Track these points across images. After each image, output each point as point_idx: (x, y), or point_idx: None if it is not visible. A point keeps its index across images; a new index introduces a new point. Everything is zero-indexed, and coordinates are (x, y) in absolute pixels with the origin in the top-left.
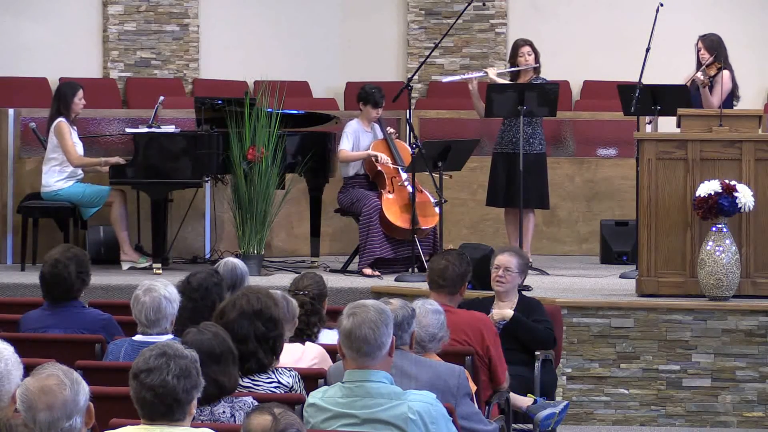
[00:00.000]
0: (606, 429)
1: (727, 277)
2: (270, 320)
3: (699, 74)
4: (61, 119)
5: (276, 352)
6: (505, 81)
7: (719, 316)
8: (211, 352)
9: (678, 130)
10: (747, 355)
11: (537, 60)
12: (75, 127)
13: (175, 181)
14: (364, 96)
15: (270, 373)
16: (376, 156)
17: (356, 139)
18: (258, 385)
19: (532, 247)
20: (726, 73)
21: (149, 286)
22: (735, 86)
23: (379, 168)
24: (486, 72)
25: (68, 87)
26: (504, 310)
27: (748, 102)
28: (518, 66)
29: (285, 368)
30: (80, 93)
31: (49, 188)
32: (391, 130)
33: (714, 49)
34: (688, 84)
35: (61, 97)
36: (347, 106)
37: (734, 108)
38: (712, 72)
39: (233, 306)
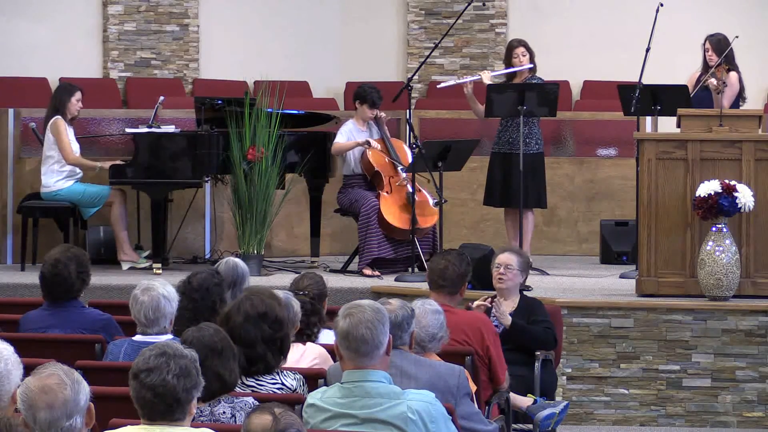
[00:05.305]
0: (606, 429)
1: (727, 277)
2: (276, 321)
3: (713, 80)
4: (57, 117)
5: (284, 352)
6: (500, 83)
7: (719, 316)
8: (213, 347)
9: (678, 130)
10: (747, 355)
11: (532, 60)
12: (72, 128)
13: (175, 181)
14: (362, 95)
15: (275, 374)
16: (368, 142)
17: (350, 138)
18: (261, 386)
19: (532, 247)
20: (733, 74)
21: (147, 285)
22: (742, 87)
23: (376, 168)
24: (480, 76)
25: (65, 88)
26: (503, 318)
27: (748, 102)
28: (513, 67)
29: (290, 370)
30: (78, 94)
31: (48, 188)
32: (382, 115)
33: (722, 50)
34: (697, 84)
35: (57, 98)
36: (347, 107)
37: (740, 108)
38: (723, 75)
39: (238, 310)
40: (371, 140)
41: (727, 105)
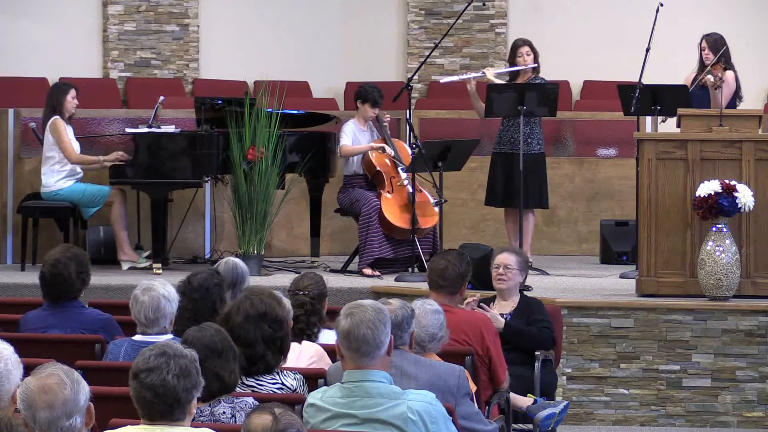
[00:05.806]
0: (606, 429)
1: (727, 277)
2: (275, 321)
3: (710, 77)
4: (56, 117)
5: (284, 351)
6: (503, 81)
7: (719, 316)
8: (213, 347)
9: (678, 130)
10: (747, 355)
11: (536, 60)
12: (71, 127)
13: (175, 181)
14: (364, 94)
15: (275, 374)
16: (382, 147)
17: (354, 138)
18: (262, 386)
19: (532, 247)
20: (730, 73)
21: (148, 285)
22: (738, 86)
23: (378, 168)
24: (484, 73)
25: (59, 87)
26: (495, 321)
27: (748, 102)
28: (517, 66)
29: (290, 370)
30: (72, 92)
31: (49, 188)
32: (387, 118)
33: (718, 49)
34: (694, 83)
35: (53, 98)
36: (347, 106)
37: (737, 108)
38: (719, 73)
39: (237, 310)
40: (386, 147)
41: (724, 104)
